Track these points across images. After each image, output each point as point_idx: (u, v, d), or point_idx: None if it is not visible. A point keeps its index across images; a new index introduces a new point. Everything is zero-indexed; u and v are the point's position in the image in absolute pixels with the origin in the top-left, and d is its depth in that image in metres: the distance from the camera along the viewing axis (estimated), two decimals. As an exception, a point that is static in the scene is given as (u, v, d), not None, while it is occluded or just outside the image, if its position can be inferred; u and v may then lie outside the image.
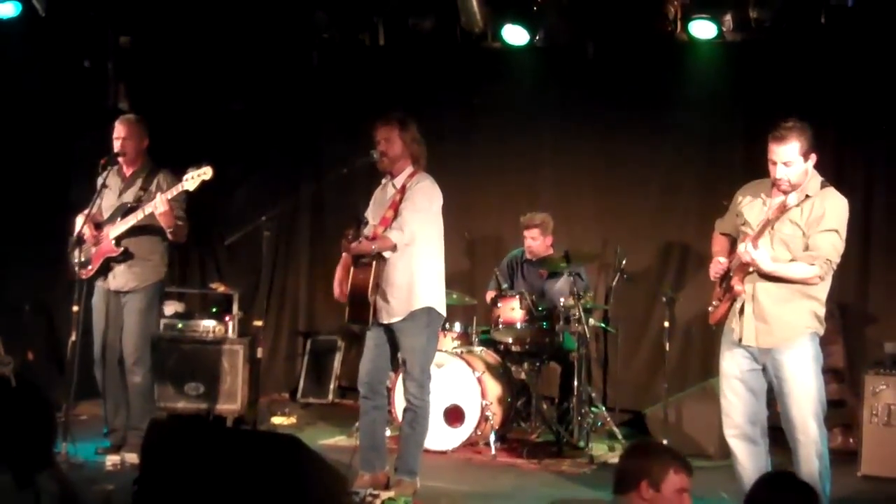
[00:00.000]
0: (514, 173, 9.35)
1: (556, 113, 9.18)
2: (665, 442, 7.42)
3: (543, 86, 9.21)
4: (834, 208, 5.28)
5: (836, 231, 5.26)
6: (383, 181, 6.37)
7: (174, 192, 6.74)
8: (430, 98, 9.23)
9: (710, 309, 5.61)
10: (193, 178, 6.72)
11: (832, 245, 5.24)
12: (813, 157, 5.27)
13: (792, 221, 5.27)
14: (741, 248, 5.28)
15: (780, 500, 3.58)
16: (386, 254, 6.00)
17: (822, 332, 5.43)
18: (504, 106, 9.28)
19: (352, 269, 6.06)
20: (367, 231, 6.14)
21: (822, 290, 5.38)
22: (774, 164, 5.26)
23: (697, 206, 8.73)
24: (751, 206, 5.47)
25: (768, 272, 5.25)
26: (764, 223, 5.23)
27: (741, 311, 5.41)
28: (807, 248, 5.26)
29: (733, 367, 5.51)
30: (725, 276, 5.48)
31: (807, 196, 5.28)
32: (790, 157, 5.21)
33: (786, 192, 5.27)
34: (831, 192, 5.34)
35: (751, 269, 5.34)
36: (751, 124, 8.46)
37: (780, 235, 5.30)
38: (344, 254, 6.30)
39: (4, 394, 3.51)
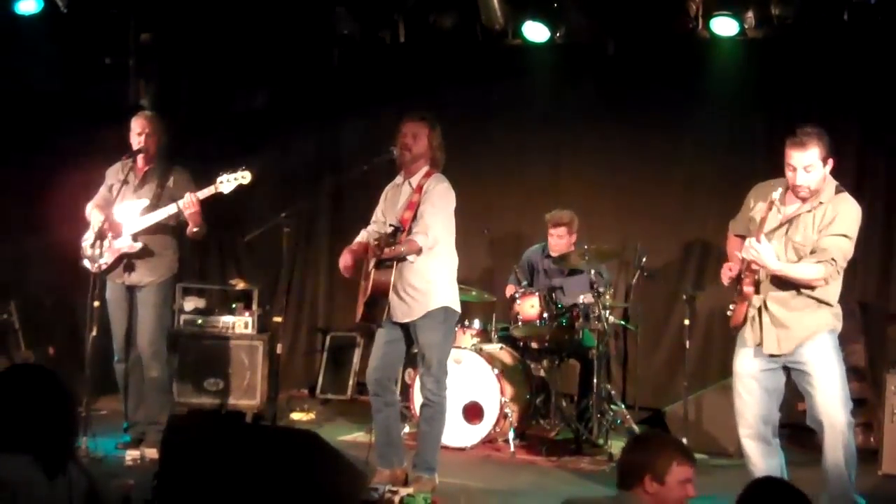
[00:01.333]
0: (534, 171, 9.34)
1: (577, 110, 9.16)
2: (685, 440, 7.41)
3: (564, 83, 9.19)
4: (846, 213, 5.27)
5: (845, 236, 5.25)
6: (397, 180, 6.36)
7: (207, 192, 6.78)
8: (450, 95, 9.21)
9: (728, 313, 5.57)
10: (230, 181, 6.77)
11: (839, 248, 5.22)
12: (831, 163, 5.26)
13: (805, 226, 5.27)
14: (746, 243, 5.26)
15: None
16: (411, 257, 5.98)
17: (839, 328, 5.41)
18: (524, 103, 9.27)
19: (372, 272, 6.03)
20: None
21: (833, 294, 5.36)
22: (794, 169, 5.24)
23: (718, 204, 8.68)
24: (762, 211, 5.42)
25: (774, 270, 5.23)
26: (763, 221, 5.22)
27: (756, 319, 5.40)
28: (813, 252, 5.24)
29: (748, 366, 5.48)
30: (738, 279, 5.44)
31: (820, 203, 5.28)
32: (811, 161, 5.21)
33: (804, 199, 5.29)
34: (844, 197, 5.33)
35: (758, 276, 5.31)
36: (772, 122, 8.43)
37: (793, 243, 5.30)
38: (359, 241, 6.34)
39: (33, 382, 3.53)
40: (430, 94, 9.07)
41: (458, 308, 6.32)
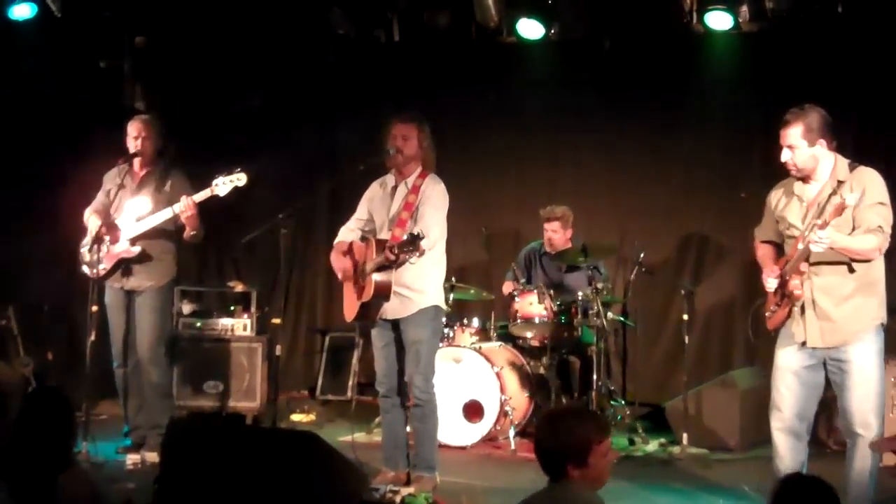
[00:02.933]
0: (531, 168, 9.34)
1: (573, 107, 9.15)
2: (685, 435, 7.41)
3: (559, 80, 9.18)
4: (872, 183, 5.19)
5: (882, 203, 5.16)
6: (387, 180, 6.33)
7: (203, 195, 6.77)
8: (445, 94, 9.22)
9: (766, 314, 5.48)
10: (225, 184, 6.76)
11: (882, 216, 5.13)
12: (822, 143, 5.20)
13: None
14: (813, 236, 5.02)
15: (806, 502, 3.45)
16: (412, 259, 5.93)
17: (885, 319, 5.31)
18: (520, 101, 9.26)
19: (373, 274, 5.99)
20: (384, 234, 6.12)
21: (880, 271, 5.28)
22: (782, 148, 5.26)
23: (715, 199, 8.71)
24: (789, 208, 5.38)
25: (844, 247, 5.07)
26: (823, 222, 5.02)
27: (801, 314, 5.29)
28: (853, 230, 5.13)
29: (791, 361, 5.37)
30: (781, 283, 5.35)
31: (839, 182, 5.20)
32: (792, 140, 5.20)
33: (798, 178, 5.28)
34: (863, 169, 5.26)
35: (806, 274, 5.23)
36: (768, 115, 8.37)
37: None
38: (341, 241, 6.35)
39: (25, 399, 3.53)
40: (426, 93, 9.07)
41: (445, 306, 6.37)
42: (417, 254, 5.76)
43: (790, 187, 5.42)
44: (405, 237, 5.70)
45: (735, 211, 8.68)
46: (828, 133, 5.24)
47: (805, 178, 5.29)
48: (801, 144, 5.20)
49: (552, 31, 8.74)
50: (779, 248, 5.53)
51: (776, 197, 5.51)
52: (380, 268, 5.97)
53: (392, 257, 5.77)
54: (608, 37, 8.74)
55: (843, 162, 5.30)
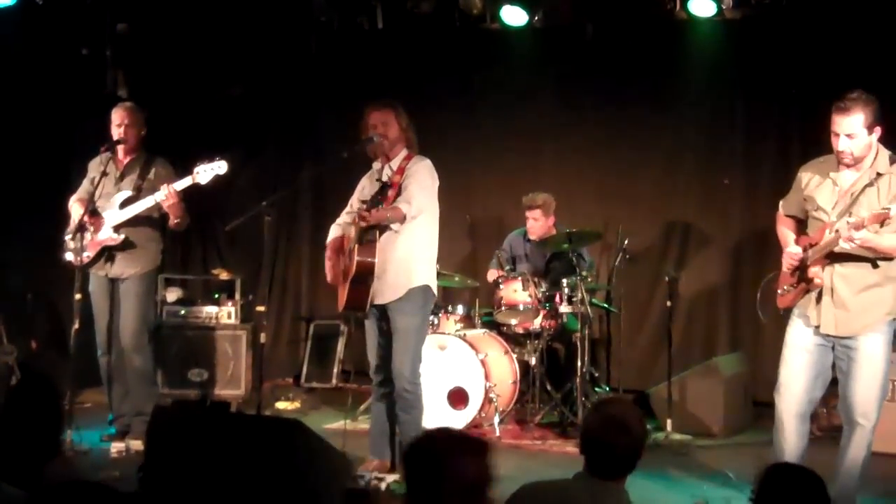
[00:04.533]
0: (515, 155, 9.34)
1: (556, 94, 9.16)
2: (669, 421, 7.43)
3: (543, 67, 9.18)
4: None
5: None
6: (375, 168, 6.32)
7: (184, 184, 6.75)
8: (429, 81, 9.23)
9: (779, 292, 5.44)
10: (207, 172, 6.75)
11: None
12: (878, 130, 5.11)
13: (870, 203, 5.08)
14: (844, 239, 4.97)
15: (793, 492, 3.41)
16: (395, 226, 5.91)
17: None
18: (504, 88, 9.25)
19: (356, 248, 5.97)
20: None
21: None
22: (837, 135, 5.10)
23: (698, 185, 8.73)
24: (820, 189, 5.29)
25: (874, 246, 5.00)
26: (860, 222, 4.94)
27: (818, 299, 5.25)
28: (883, 224, 4.97)
29: (803, 338, 5.32)
30: (801, 265, 5.31)
31: (878, 174, 5.11)
32: (854, 129, 5.06)
33: (848, 166, 5.16)
34: None
35: (828, 260, 5.17)
36: (751, 102, 8.46)
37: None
38: (334, 237, 6.33)
39: (12, 387, 3.53)
40: (409, 80, 9.06)
41: (435, 291, 6.33)
42: (390, 214, 5.78)
43: (825, 168, 5.30)
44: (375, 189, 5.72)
45: (719, 198, 8.72)
46: (881, 121, 5.14)
47: (846, 164, 5.18)
48: (862, 133, 5.08)
49: (536, 18, 8.73)
50: (800, 224, 5.47)
51: (808, 175, 5.39)
52: (360, 242, 5.95)
53: (365, 215, 5.73)
54: (591, 23, 8.73)
55: (885, 154, 5.19)
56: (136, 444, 6.61)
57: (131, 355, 6.92)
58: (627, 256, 8.21)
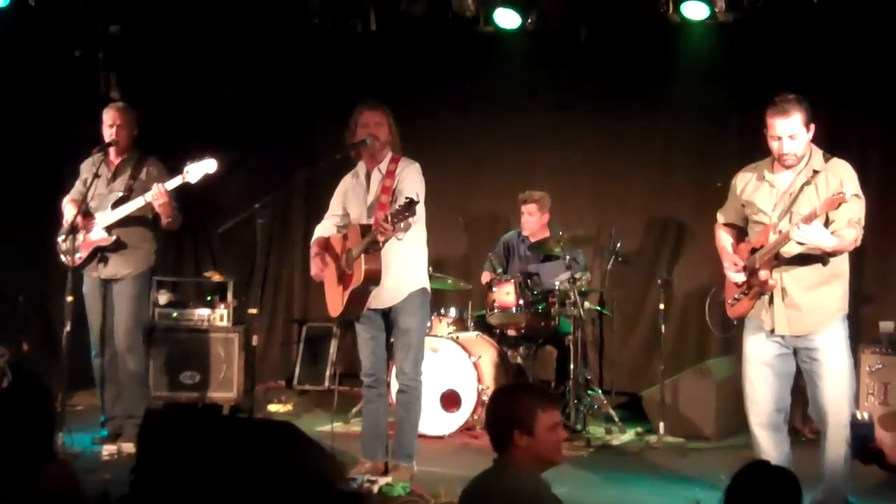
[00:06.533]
0: (508, 157, 9.33)
1: (549, 97, 9.15)
2: (662, 424, 7.43)
3: (536, 70, 9.18)
4: (848, 175, 5.19)
5: (857, 196, 5.14)
6: (358, 171, 6.30)
7: (174, 183, 6.74)
8: (422, 83, 9.22)
9: (729, 302, 5.46)
10: (196, 170, 6.74)
11: (859, 209, 5.14)
12: (812, 128, 5.19)
13: (810, 201, 5.16)
14: (795, 233, 5.02)
15: (764, 489, 3.37)
16: (400, 235, 5.85)
17: (847, 309, 5.33)
18: (497, 90, 9.25)
19: (362, 257, 5.92)
20: (366, 220, 6.09)
21: (846, 263, 5.28)
22: (779, 139, 5.16)
23: (692, 188, 8.72)
24: (758, 193, 5.35)
25: (832, 248, 5.07)
26: (812, 213, 5.01)
27: (769, 301, 5.28)
28: (828, 222, 5.10)
29: (761, 352, 5.36)
30: (749, 270, 5.33)
31: (815, 172, 5.18)
32: (795, 129, 5.14)
33: (790, 167, 5.22)
34: (837, 161, 5.26)
35: (776, 261, 5.20)
36: (744, 105, 8.44)
37: (799, 218, 5.15)
38: (319, 236, 6.31)
39: (3, 389, 3.52)
40: (402, 83, 9.06)
41: (429, 291, 6.34)
42: (413, 219, 5.69)
43: (760, 172, 5.38)
44: (398, 205, 5.64)
45: (711, 200, 8.69)
46: (814, 119, 5.22)
47: (788, 166, 5.25)
48: (802, 132, 5.16)
49: (529, 21, 8.73)
50: (740, 232, 5.52)
51: (743, 181, 5.47)
52: (367, 251, 5.91)
53: (388, 227, 5.63)
54: (585, 26, 8.73)
55: (818, 151, 5.29)
56: (128, 447, 6.60)
57: (125, 356, 6.92)
58: (620, 259, 8.20)
